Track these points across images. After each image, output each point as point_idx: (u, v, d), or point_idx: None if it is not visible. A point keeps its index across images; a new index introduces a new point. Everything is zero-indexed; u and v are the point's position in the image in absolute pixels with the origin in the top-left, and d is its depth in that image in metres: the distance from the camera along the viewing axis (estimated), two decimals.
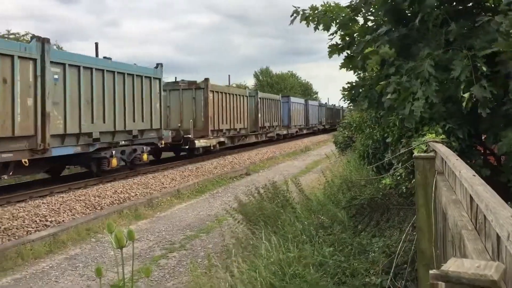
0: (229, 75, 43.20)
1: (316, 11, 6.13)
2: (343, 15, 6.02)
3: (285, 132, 35.74)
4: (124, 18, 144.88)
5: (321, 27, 6.15)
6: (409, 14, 5.59)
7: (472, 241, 1.89)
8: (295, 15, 6.35)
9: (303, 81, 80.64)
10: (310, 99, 50.40)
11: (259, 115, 29.74)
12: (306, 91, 77.47)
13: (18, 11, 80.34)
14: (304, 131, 41.80)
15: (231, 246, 6.96)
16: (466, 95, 4.28)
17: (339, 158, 17.17)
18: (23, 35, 29.80)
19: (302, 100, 43.37)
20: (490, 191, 1.87)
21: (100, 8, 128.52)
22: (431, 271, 1.21)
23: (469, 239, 1.93)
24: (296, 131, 38.99)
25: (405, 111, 4.62)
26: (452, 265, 1.20)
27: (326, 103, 56.02)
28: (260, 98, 30.18)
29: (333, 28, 6.25)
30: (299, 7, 6.39)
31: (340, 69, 6.37)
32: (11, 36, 29.20)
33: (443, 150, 3.57)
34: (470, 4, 5.54)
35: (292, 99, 38.64)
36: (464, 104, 4.31)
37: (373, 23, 6.00)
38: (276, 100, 33.95)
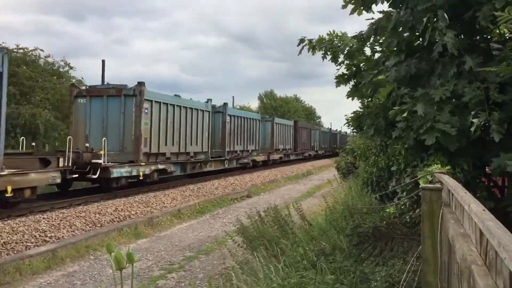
0: (233, 97, 43.79)
1: (324, 42, 6.20)
2: (351, 45, 6.08)
3: (313, 152, 45.43)
4: (133, 37, 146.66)
5: (329, 57, 6.21)
6: (418, 46, 5.64)
7: (483, 277, 1.88)
8: (302, 44, 6.42)
9: (307, 105, 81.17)
10: (322, 128, 59.69)
11: (298, 139, 39.88)
12: (310, 115, 77.85)
13: (28, 26, 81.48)
14: (326, 153, 52.15)
15: (230, 269, 6.90)
16: (476, 120, 4.28)
17: (341, 184, 17.08)
18: (31, 50, 30.08)
19: (327, 129, 57.12)
20: (501, 227, 1.87)
21: (108, 26, 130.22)
22: None
23: (480, 274, 1.92)
24: (323, 153, 50.18)
25: (421, 131, 4.65)
26: None
27: (340, 131, 64.87)
28: (299, 127, 40.62)
29: (340, 58, 6.33)
30: (305, 37, 6.47)
31: (348, 98, 6.40)
32: (20, 51, 29.45)
33: (450, 182, 3.56)
34: (477, 37, 5.60)
35: (321, 128, 53.50)
36: (473, 129, 4.28)
37: (381, 54, 6.05)
38: (309, 128, 44.62)
